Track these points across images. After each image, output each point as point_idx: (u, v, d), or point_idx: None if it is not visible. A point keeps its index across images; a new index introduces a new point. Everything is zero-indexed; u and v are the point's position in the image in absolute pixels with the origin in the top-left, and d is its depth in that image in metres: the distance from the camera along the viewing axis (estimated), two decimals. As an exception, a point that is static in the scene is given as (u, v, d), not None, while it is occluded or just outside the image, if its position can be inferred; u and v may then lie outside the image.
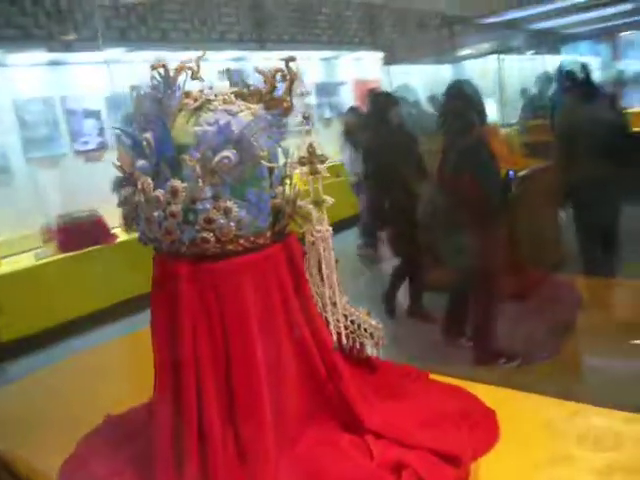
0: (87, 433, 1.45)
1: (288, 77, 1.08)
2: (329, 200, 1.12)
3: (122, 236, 5.56)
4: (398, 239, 2.86)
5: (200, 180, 1.04)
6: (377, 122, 2.88)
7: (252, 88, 1.22)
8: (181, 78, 1.15)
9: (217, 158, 1.04)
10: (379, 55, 8.17)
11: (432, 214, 2.35)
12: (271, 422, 1.11)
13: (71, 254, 5.15)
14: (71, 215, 5.34)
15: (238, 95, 1.19)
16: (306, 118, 1.07)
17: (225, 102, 1.13)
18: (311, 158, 1.09)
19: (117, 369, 2.04)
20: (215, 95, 1.16)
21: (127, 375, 1.94)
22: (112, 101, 6.09)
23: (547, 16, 6.98)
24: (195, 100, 1.16)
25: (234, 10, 6.70)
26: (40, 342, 4.52)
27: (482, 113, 2.46)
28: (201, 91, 1.18)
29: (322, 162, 1.09)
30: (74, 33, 4.99)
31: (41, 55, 5.22)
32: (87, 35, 5.11)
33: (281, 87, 1.15)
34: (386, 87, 7.11)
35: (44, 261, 5.06)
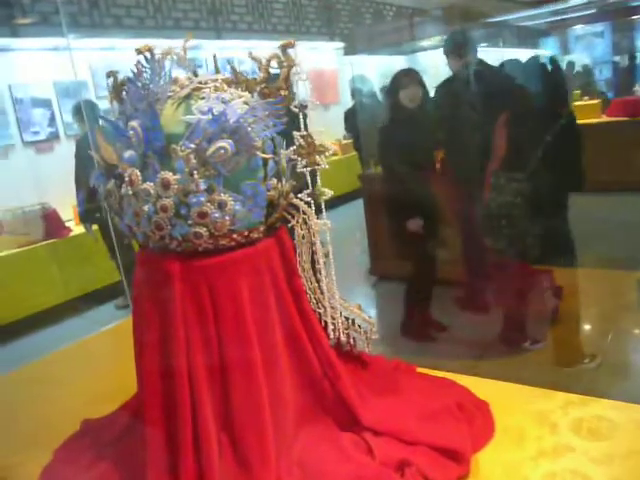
0: (64, 441, 1.37)
1: (285, 64, 1.03)
2: (328, 192, 1.08)
3: (76, 229, 5.38)
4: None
5: (195, 172, 0.98)
6: (393, 104, 2.61)
7: (241, 76, 1.17)
8: (167, 64, 1.08)
9: (212, 149, 0.98)
10: (336, 45, 8.13)
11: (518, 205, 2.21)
12: (271, 425, 1.07)
13: (24, 248, 4.95)
14: (22, 208, 5.12)
15: (227, 83, 1.13)
16: (304, 107, 1.03)
17: (217, 89, 1.07)
18: (309, 149, 1.04)
19: (75, 377, 1.93)
20: (204, 82, 1.09)
21: (87, 382, 1.84)
22: (63, 89, 5.86)
23: (504, 9, 7.09)
24: (182, 87, 1.10)
25: (189, -4, 6.53)
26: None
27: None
28: (189, 78, 1.12)
29: (321, 153, 1.04)
30: (24, 17, 4.74)
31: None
32: (36, 20, 4.88)
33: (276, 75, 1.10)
34: (344, 78, 7.09)
35: (-5, 257, 4.84)
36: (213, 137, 0.98)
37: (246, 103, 1.06)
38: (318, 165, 1.05)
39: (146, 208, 1.03)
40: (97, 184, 1.20)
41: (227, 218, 1.03)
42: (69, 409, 1.60)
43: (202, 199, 1.01)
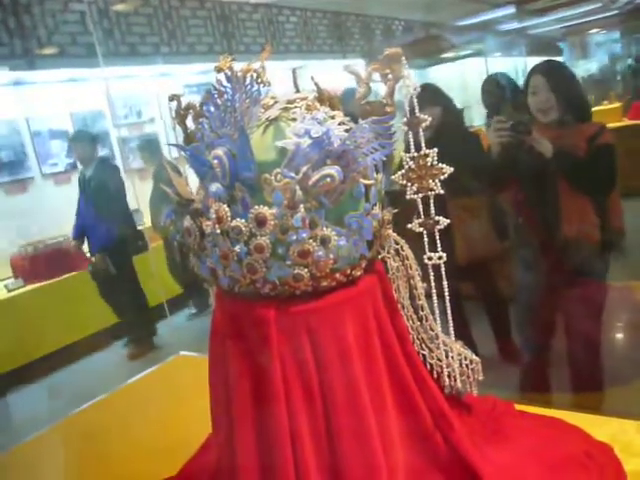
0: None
1: (391, 76, 0.90)
2: (444, 221, 0.94)
3: (99, 261, 5.27)
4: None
5: (297, 205, 0.85)
6: None
7: (324, 92, 1.04)
8: (254, 84, 0.95)
9: (316, 177, 0.85)
10: (349, 62, 8.06)
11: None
12: (390, 493, 0.92)
13: (46, 283, 4.85)
14: (44, 242, 5.04)
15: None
16: (416, 124, 0.90)
17: (309, 109, 0.94)
18: (420, 173, 0.91)
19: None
20: (292, 101, 0.97)
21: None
22: (80, 120, 5.81)
23: (515, 17, 7.02)
24: (266, 108, 0.97)
25: (202, 21, 6.49)
26: (14, 380, 4.21)
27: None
28: (272, 97, 0.99)
29: (435, 177, 0.91)
30: (40, 50, 4.69)
31: (2, 74, 4.91)
32: (52, 52, 4.83)
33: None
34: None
35: (16, 292, 4.75)
36: (316, 164, 0.85)
37: (342, 123, 0.94)
38: (432, 190, 0.92)
39: (237, 249, 0.90)
40: (167, 222, 1.07)
41: (331, 256, 0.89)
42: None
43: (304, 236, 0.87)
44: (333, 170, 0.84)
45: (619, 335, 2.05)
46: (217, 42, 6.52)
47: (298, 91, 1.07)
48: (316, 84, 1.04)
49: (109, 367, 4.32)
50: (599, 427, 1.24)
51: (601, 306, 1.94)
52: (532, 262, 2.03)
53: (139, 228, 4.91)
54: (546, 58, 2.20)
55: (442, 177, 0.90)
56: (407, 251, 1.10)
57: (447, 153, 2.11)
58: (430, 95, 2.37)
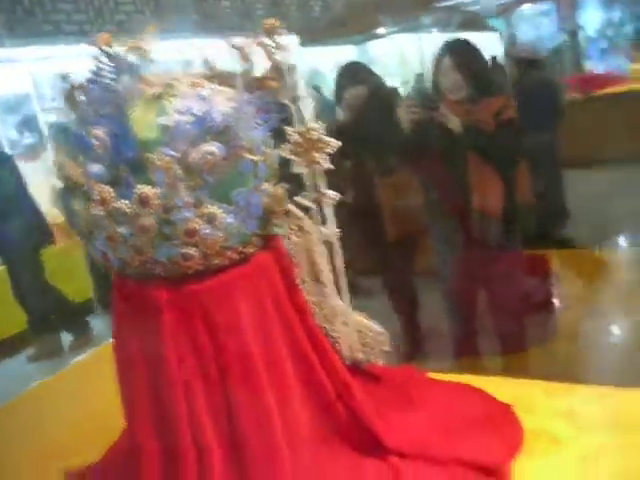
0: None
1: (274, 51, 0.90)
2: (333, 195, 0.95)
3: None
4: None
5: (178, 183, 0.84)
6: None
7: (216, 69, 1.03)
8: (133, 59, 0.93)
9: (197, 154, 0.84)
10: (289, 39, 7.97)
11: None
12: (288, 464, 0.94)
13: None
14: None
15: (204, 78, 0.99)
16: (297, 99, 0.90)
17: (194, 85, 0.93)
18: (307, 146, 0.91)
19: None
20: (177, 78, 0.95)
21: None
22: (4, 104, 5.53)
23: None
24: (151, 85, 0.95)
25: (131, -2, 6.26)
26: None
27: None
28: (157, 75, 0.97)
29: (320, 150, 0.91)
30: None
31: None
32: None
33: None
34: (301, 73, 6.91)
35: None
36: (196, 141, 0.84)
37: (229, 99, 0.93)
38: (318, 164, 0.92)
39: (122, 230, 0.88)
40: (60, 207, 1.04)
41: (220, 234, 0.89)
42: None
43: (188, 215, 0.86)
44: (213, 147, 0.84)
45: (534, 301, 2.15)
46: (147, 20, 6.31)
47: (187, 68, 1.05)
48: (206, 61, 1.02)
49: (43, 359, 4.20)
50: (506, 389, 1.29)
51: (515, 274, 2.02)
52: (449, 235, 2.08)
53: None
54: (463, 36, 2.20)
55: (328, 150, 0.91)
56: (308, 227, 1.11)
57: (372, 132, 2.07)
58: (355, 74, 2.33)
